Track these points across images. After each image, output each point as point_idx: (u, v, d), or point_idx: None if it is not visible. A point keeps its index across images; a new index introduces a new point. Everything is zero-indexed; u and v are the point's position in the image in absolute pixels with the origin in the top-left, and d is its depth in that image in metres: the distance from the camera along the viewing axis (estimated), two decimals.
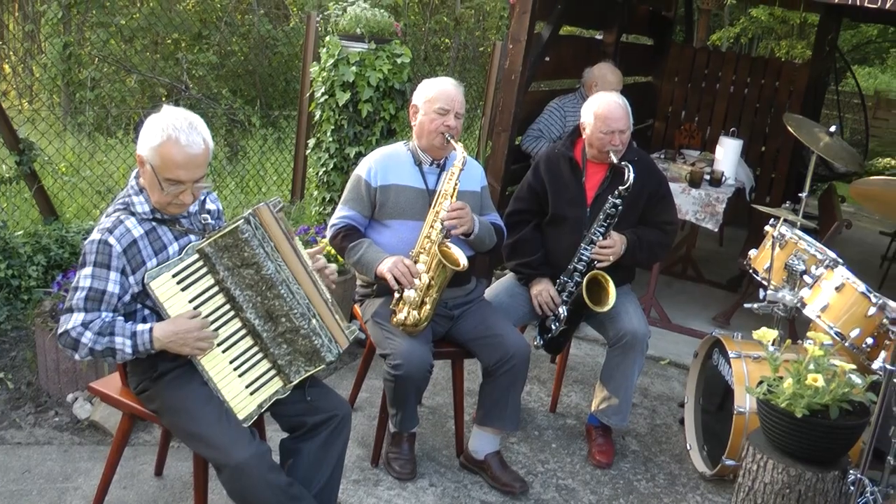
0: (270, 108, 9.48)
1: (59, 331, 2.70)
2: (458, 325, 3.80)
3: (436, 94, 3.70)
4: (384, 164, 3.75)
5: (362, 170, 3.76)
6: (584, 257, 3.97)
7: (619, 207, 3.91)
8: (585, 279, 3.93)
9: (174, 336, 2.69)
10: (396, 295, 3.53)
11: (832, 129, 4.69)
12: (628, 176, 3.88)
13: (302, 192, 6.26)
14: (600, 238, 3.95)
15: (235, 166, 7.62)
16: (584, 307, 3.91)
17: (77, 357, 2.70)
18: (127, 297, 2.75)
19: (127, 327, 2.69)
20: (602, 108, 4.01)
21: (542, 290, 4.06)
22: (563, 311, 4.02)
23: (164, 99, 8.91)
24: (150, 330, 2.69)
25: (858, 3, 4.65)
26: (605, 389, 4.10)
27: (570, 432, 4.43)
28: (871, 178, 3.62)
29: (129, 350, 2.69)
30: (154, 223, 2.80)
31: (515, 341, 3.70)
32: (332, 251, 4.09)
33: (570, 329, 4.10)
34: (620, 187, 3.89)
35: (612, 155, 3.96)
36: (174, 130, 2.70)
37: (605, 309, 3.89)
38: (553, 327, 4.06)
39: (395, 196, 3.70)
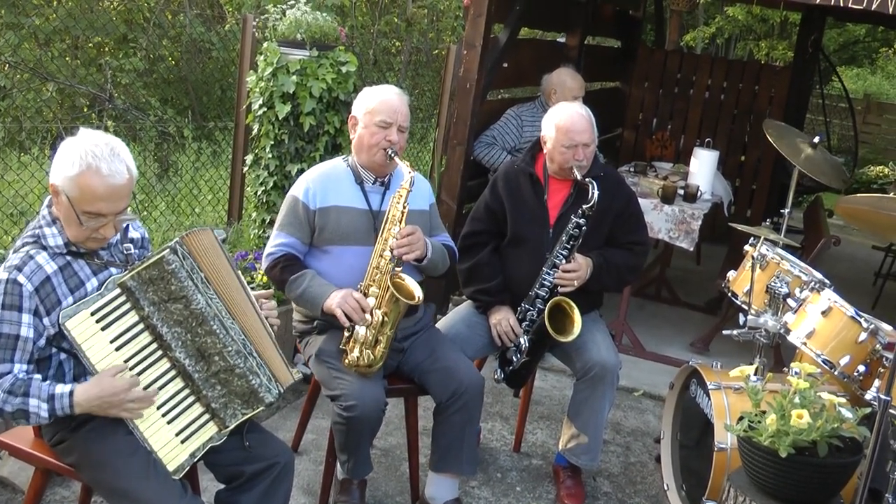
0: (205, 120, 9.40)
1: None
2: (407, 357, 3.79)
3: (377, 104, 3.68)
4: (322, 183, 3.72)
5: (298, 190, 3.72)
6: (547, 282, 3.97)
7: (584, 228, 3.93)
8: (548, 306, 3.93)
9: (98, 400, 2.63)
10: (346, 333, 3.51)
11: (816, 139, 4.74)
12: (592, 193, 3.89)
13: (240, 213, 6.20)
14: (563, 261, 3.96)
15: (166, 184, 7.53)
16: (547, 337, 3.92)
17: None
18: (42, 342, 2.68)
19: (44, 389, 2.61)
20: (564, 120, 4.03)
21: (502, 319, 4.06)
22: (524, 341, 4.02)
23: (85, 109, 8.78)
24: (71, 394, 2.62)
25: (842, 4, 4.73)
26: (572, 426, 4.11)
27: (535, 474, 4.43)
28: (859, 195, 3.66)
29: (44, 414, 2.61)
30: (69, 257, 2.74)
31: (467, 373, 3.70)
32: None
33: (533, 361, 4.10)
34: (584, 206, 3.90)
35: (575, 171, 3.98)
36: (94, 158, 2.64)
37: (570, 339, 3.90)
38: (514, 359, 4.06)
39: (336, 219, 3.66)
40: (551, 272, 3.97)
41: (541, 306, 3.98)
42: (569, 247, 3.95)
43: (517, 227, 4.13)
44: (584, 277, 3.98)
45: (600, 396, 4.02)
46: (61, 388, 2.63)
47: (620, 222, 4.14)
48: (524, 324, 4.04)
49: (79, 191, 2.65)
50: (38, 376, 2.66)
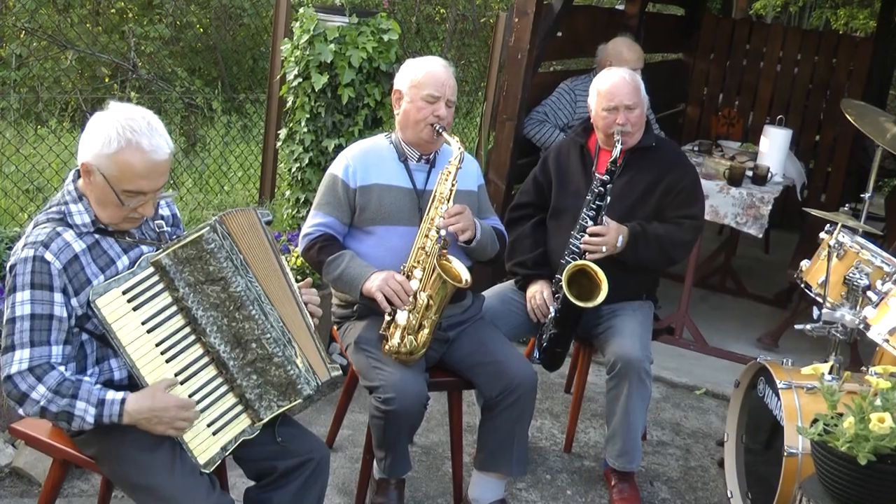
0: (235, 91, 9.45)
1: (2, 375, 2.62)
2: (453, 348, 3.79)
3: (423, 77, 3.69)
4: (363, 160, 3.75)
5: (338, 168, 3.75)
6: (576, 248, 3.99)
7: (609, 185, 3.93)
8: (568, 269, 3.92)
9: (150, 413, 2.66)
10: (387, 318, 3.52)
11: None
12: (616, 150, 3.93)
13: (272, 191, 6.23)
14: (590, 223, 3.96)
15: (193, 160, 7.59)
16: (574, 306, 3.91)
17: (21, 411, 2.64)
18: (72, 322, 2.70)
19: (94, 392, 2.64)
20: (604, 82, 4.11)
21: (536, 291, 4.10)
22: (552, 311, 4.03)
23: (107, 80, 8.86)
24: (123, 402, 2.65)
25: None
26: (609, 426, 4.13)
27: (588, 476, 4.43)
28: None
29: (90, 419, 2.63)
30: (97, 235, 2.77)
31: (520, 368, 3.70)
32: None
33: (564, 335, 4.09)
34: (608, 161, 3.93)
35: (617, 137, 3.98)
36: (133, 133, 2.66)
37: (591, 305, 3.88)
38: (544, 333, 4.08)
39: (378, 198, 3.69)
40: (579, 236, 3.98)
41: None
42: (595, 207, 3.95)
43: (559, 199, 4.20)
44: (613, 243, 3.96)
45: (628, 394, 3.98)
46: (112, 395, 2.65)
47: (672, 196, 4.15)
48: (557, 296, 4.05)
49: (118, 169, 2.66)
50: (87, 378, 2.69)
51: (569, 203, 4.15)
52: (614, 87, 4.05)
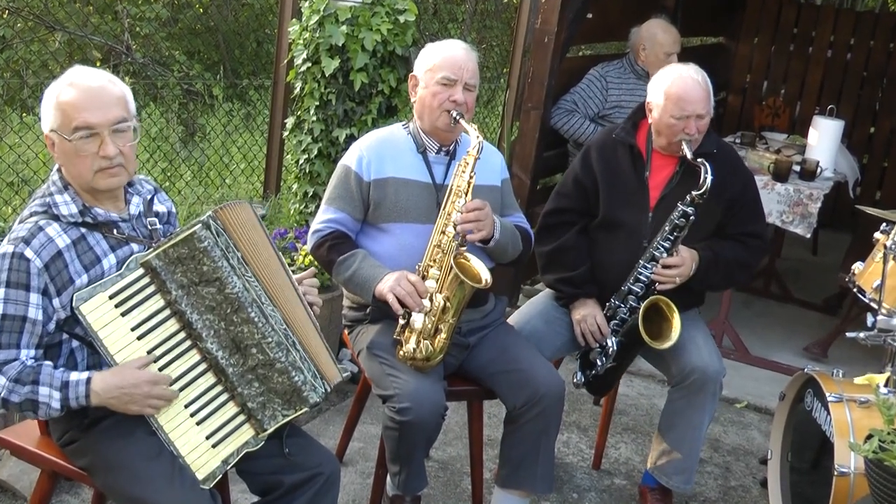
0: (237, 77, 9.47)
1: None
2: (473, 355, 3.80)
3: (439, 60, 3.71)
4: (378, 151, 3.75)
5: (351, 159, 3.76)
6: (643, 277, 3.95)
7: (692, 218, 3.88)
8: (643, 306, 3.91)
9: (118, 391, 2.67)
10: (401, 321, 3.53)
11: None
12: (704, 178, 3.85)
13: (278, 184, 6.26)
14: (664, 255, 3.93)
15: (192, 151, 7.61)
16: (639, 340, 3.90)
17: None
18: (51, 326, 2.72)
19: (56, 376, 2.66)
20: (675, 85, 3.98)
21: (588, 315, 4.04)
22: (612, 342, 4.01)
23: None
24: (88, 381, 2.67)
25: None
26: (664, 441, 4.09)
27: (618, 495, 4.44)
28: None
29: (56, 405, 2.66)
30: (84, 230, 2.78)
31: (546, 377, 3.70)
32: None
33: (621, 366, 4.09)
34: (694, 192, 3.85)
35: (684, 146, 3.93)
36: (69, 77, 2.75)
37: (667, 345, 3.88)
38: (599, 363, 4.05)
39: (395, 192, 3.70)
40: (649, 266, 3.94)
41: (634, 304, 3.96)
42: (672, 238, 3.91)
43: (611, 208, 4.10)
44: (687, 275, 3.95)
45: (699, 408, 3.99)
46: (77, 376, 2.67)
47: (734, 210, 4.10)
48: (613, 322, 4.02)
49: (61, 113, 2.73)
50: (48, 362, 2.71)
51: (624, 216, 4.08)
52: (686, 93, 3.95)
